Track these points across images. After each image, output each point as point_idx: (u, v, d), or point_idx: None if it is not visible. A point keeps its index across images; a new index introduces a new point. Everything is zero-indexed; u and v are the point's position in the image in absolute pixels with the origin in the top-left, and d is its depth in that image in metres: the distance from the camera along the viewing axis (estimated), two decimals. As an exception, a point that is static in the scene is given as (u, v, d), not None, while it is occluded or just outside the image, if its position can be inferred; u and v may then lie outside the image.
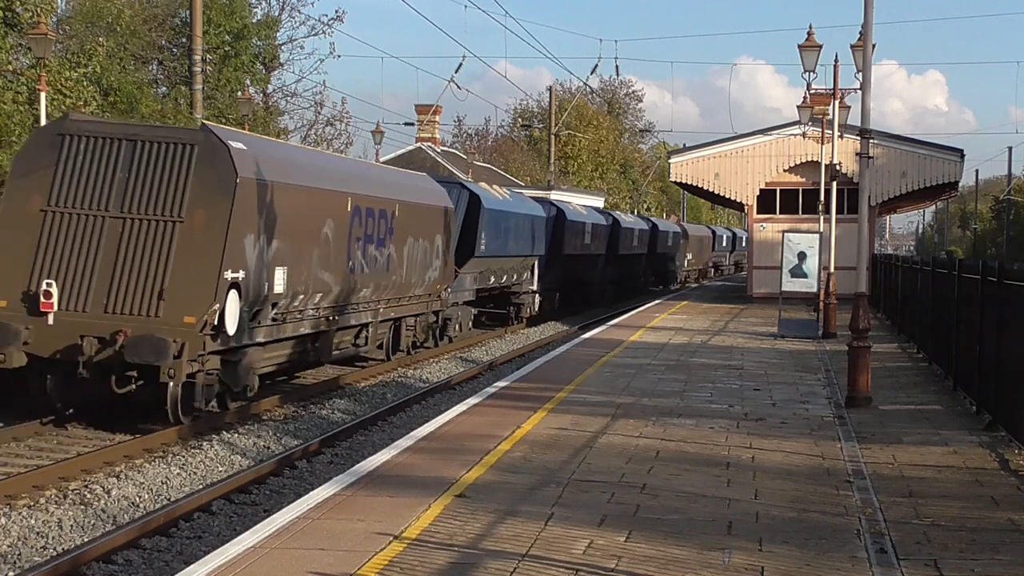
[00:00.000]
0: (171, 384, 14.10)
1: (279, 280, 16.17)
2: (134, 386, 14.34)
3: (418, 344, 24.30)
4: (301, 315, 17.43)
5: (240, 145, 15.31)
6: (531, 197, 35.03)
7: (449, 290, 25.11)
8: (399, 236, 21.27)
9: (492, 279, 29.49)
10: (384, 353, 22.56)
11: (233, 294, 14.72)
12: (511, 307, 32.64)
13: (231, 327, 14.76)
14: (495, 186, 34.09)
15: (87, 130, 15.20)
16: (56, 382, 14.56)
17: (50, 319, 14.15)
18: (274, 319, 16.45)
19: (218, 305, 14.39)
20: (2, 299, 14.35)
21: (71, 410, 15.12)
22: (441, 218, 23.95)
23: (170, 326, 14.05)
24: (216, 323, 14.45)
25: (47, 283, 14.15)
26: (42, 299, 14.13)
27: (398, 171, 26.51)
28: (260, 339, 16.20)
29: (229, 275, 14.56)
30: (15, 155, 16.88)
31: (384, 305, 21.24)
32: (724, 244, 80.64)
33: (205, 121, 19.30)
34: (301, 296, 17.10)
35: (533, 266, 33.22)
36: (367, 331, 20.62)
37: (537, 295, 34.02)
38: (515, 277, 31.72)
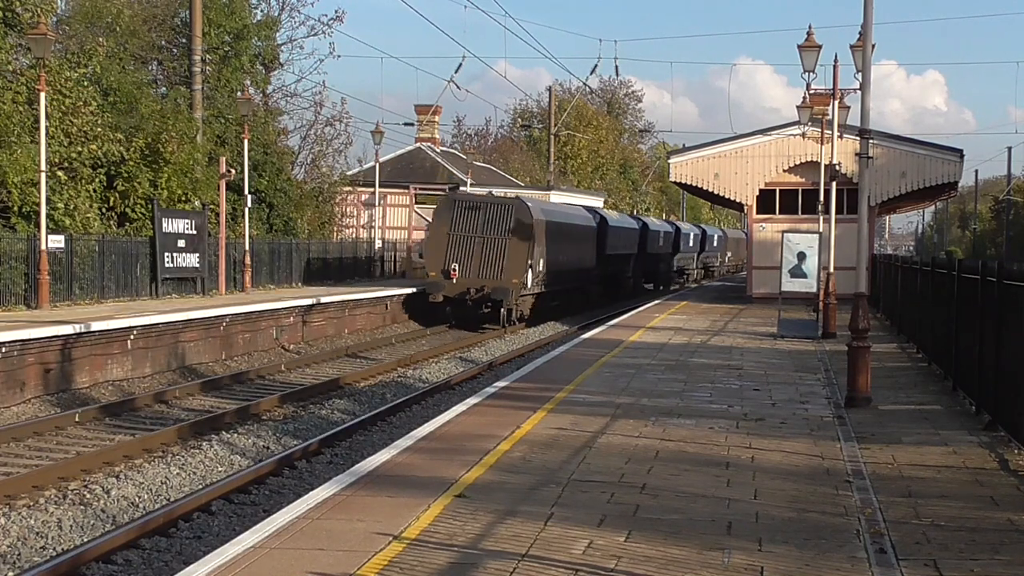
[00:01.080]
0: (504, 310, 31.99)
1: (540, 265, 33.60)
2: (489, 310, 32.20)
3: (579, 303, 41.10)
4: (542, 283, 34.18)
5: (532, 204, 34.38)
6: (571, 203, 48.94)
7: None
8: (579, 242, 39.02)
9: (611, 268, 45.49)
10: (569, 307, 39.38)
11: (530, 270, 32.33)
12: (620, 287, 48.11)
13: (528, 284, 32.39)
14: (613, 211, 55.19)
15: (465, 198, 34.62)
16: (453, 309, 32.68)
17: (454, 280, 31.94)
18: (536, 283, 33.37)
19: (525, 275, 32.17)
20: (433, 271, 32.36)
21: (453, 322, 32.99)
22: (592, 232, 41.25)
23: (507, 283, 31.77)
24: (524, 282, 32.16)
25: (453, 265, 32.01)
26: (451, 272, 32.00)
27: (577, 208, 44.34)
28: (533, 292, 33.70)
29: (528, 262, 32.27)
30: (435, 207, 35.71)
31: (569, 279, 38.20)
32: None
33: (520, 193, 42.02)
34: (545, 272, 34.22)
35: (630, 260, 48.80)
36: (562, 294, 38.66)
37: (632, 279, 50.83)
38: (621, 268, 47.79)
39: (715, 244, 75.26)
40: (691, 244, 63.93)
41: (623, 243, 46.05)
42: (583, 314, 38.84)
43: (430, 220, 36.45)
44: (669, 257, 57.69)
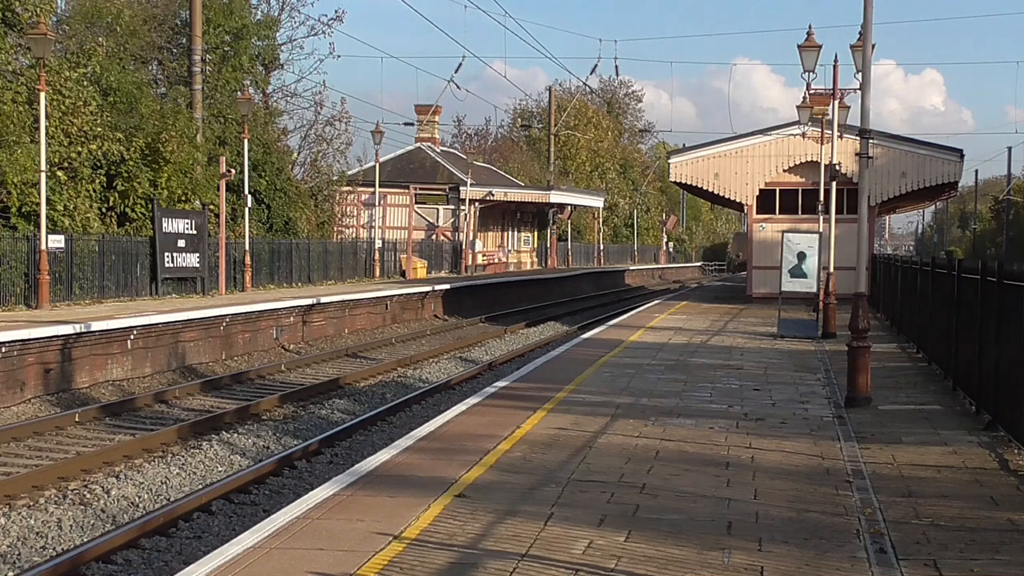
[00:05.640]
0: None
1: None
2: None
3: None
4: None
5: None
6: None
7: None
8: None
9: None
10: None
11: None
12: None
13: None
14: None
15: (742, 234, 64.74)
16: (736, 269, 78.84)
17: (739, 259, 70.80)
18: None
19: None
20: (734, 256, 75.58)
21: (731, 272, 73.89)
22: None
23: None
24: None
25: (739, 253, 72.75)
26: (738, 256, 75.31)
27: None
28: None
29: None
30: (733, 236, 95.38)
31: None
32: None
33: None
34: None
35: None
36: None
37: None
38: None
39: None
40: None
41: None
42: (583, 314, 38.85)
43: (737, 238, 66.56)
44: None
